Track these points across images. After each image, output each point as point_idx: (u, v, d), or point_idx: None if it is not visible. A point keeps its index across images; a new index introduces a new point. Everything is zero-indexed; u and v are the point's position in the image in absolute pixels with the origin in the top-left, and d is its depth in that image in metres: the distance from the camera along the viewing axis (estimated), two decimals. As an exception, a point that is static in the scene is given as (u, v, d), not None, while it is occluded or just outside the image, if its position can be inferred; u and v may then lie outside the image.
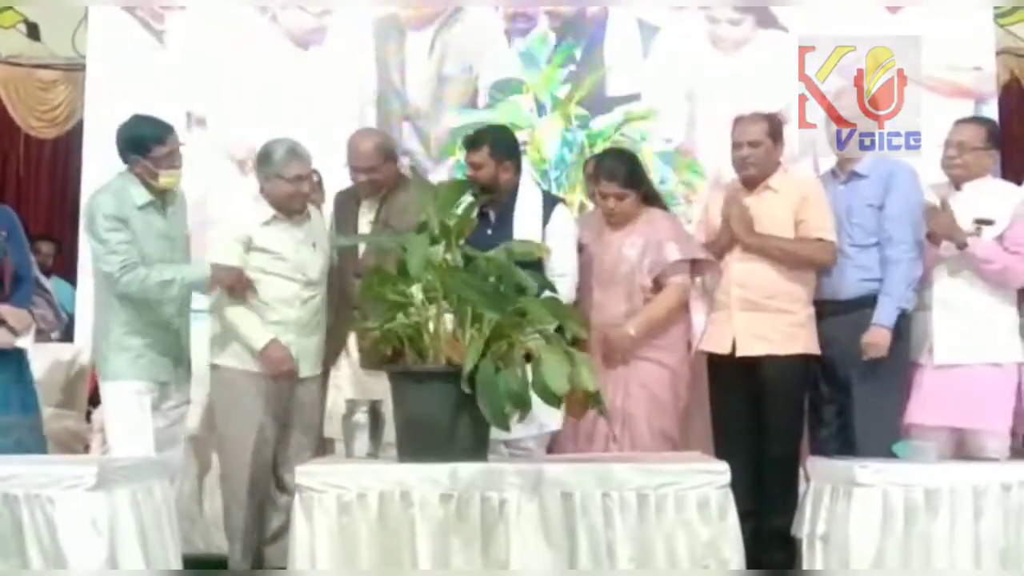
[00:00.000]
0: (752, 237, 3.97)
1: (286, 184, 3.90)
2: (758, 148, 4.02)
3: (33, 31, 6.98)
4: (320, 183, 4.32)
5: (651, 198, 4.13)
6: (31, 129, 7.11)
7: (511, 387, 2.92)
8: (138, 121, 3.97)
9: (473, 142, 4.06)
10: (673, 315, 3.99)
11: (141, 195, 3.89)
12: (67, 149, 6.93)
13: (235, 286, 3.87)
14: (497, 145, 4.04)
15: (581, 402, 3.06)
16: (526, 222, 4.00)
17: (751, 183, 4.08)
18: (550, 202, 4.10)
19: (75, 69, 6.77)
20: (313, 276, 3.98)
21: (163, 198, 3.96)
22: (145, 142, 3.87)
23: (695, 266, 4.05)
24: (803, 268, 3.99)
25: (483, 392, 2.91)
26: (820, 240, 3.97)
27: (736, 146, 4.08)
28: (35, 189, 7.15)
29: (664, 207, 4.19)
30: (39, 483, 3.15)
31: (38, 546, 3.12)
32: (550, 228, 3.98)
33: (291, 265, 3.93)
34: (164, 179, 3.89)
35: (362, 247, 4.01)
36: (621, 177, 4.01)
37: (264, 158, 3.96)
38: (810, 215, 3.98)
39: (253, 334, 3.86)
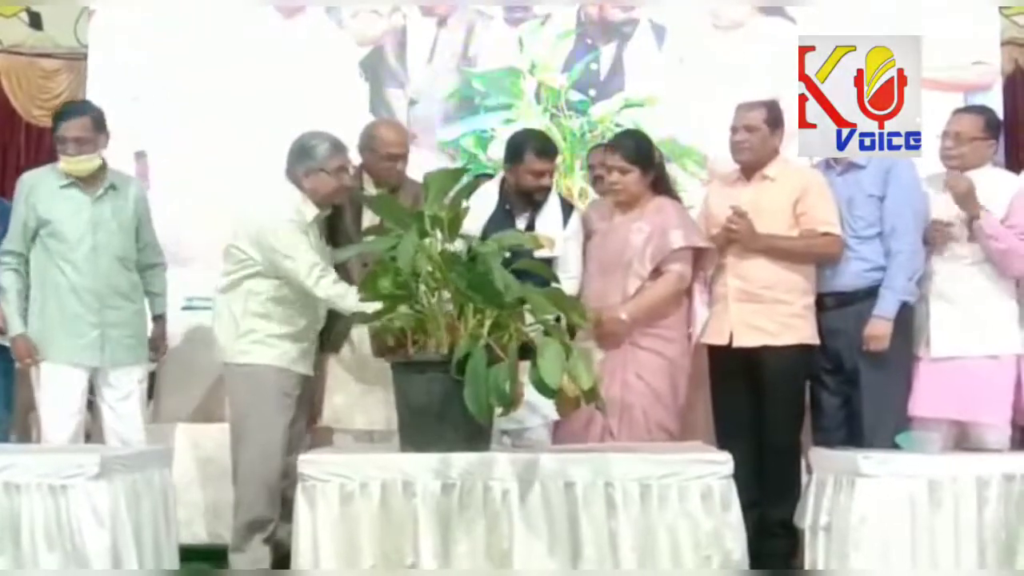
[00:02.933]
0: (757, 241, 3.93)
1: (330, 178, 3.83)
2: (754, 134, 4.01)
3: (35, 20, 6.96)
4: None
5: (662, 187, 4.10)
6: (32, 118, 7.07)
7: (498, 382, 2.88)
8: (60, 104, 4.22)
9: (548, 151, 4.07)
10: (668, 303, 3.96)
11: (61, 177, 4.03)
12: (68, 138, 6.91)
13: (25, 358, 4.00)
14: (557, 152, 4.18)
15: (571, 400, 3.04)
16: (549, 226, 4.04)
17: (747, 170, 4.07)
18: (567, 207, 4.16)
19: (77, 58, 6.76)
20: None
21: (95, 183, 4.03)
22: (52, 122, 4.08)
23: (698, 257, 4.03)
24: (809, 263, 3.98)
25: (470, 383, 2.87)
26: (826, 234, 3.95)
27: (733, 130, 4.07)
28: (36, 178, 7.13)
29: (676, 197, 4.16)
30: (42, 472, 3.16)
31: (40, 535, 3.13)
32: (567, 231, 4.05)
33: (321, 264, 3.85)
34: (63, 163, 4.01)
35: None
36: (626, 150, 4.00)
37: (304, 153, 3.85)
38: (812, 207, 3.96)
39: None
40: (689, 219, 4.09)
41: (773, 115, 4.04)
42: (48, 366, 4.01)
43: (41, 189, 4.02)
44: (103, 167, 4.08)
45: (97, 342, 4.02)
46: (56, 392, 3.99)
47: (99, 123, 4.05)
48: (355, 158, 4.08)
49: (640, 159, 4.00)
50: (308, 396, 4.01)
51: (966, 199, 3.85)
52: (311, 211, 3.84)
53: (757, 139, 4.01)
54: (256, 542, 3.83)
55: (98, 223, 4.01)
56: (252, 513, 3.83)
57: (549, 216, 4.07)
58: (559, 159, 4.23)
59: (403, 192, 4.05)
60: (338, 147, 3.89)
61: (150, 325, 4.24)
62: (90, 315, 4.01)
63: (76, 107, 4.11)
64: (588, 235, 4.10)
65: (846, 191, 4.03)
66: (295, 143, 3.92)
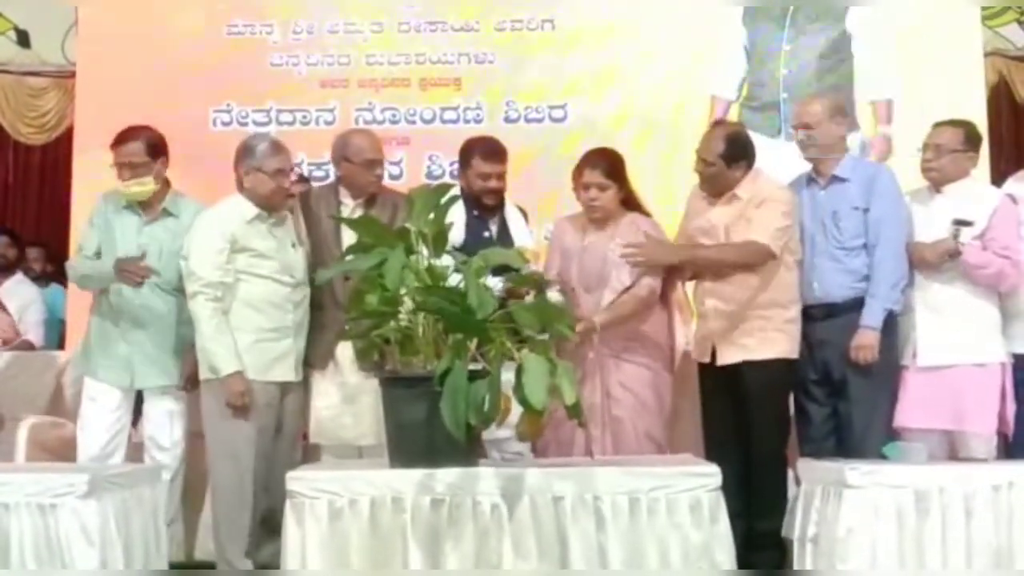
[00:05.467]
0: (673, 254, 3.97)
1: (267, 178, 3.90)
2: (711, 168, 3.98)
3: (23, 38, 6.98)
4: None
5: (633, 203, 4.11)
6: (20, 136, 7.11)
7: (477, 400, 2.87)
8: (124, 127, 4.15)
9: (498, 153, 4.18)
10: (639, 314, 3.96)
11: (121, 199, 4.09)
12: (56, 155, 6.94)
13: (135, 274, 3.93)
14: (506, 155, 4.23)
15: (535, 422, 3.05)
16: (519, 232, 4.16)
17: (713, 193, 4.06)
18: (522, 211, 4.28)
19: (64, 76, 6.77)
20: (300, 277, 3.97)
21: (150, 207, 4.07)
22: (113, 146, 4.07)
23: (671, 270, 4.03)
24: (740, 271, 3.94)
25: (448, 397, 2.86)
26: (750, 242, 3.90)
27: (696, 154, 4.06)
28: (24, 195, 7.14)
29: (646, 213, 4.17)
30: (31, 491, 3.16)
31: (29, 553, 3.12)
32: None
33: (278, 266, 3.91)
34: (121, 188, 4.05)
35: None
36: (603, 168, 4.00)
37: (246, 151, 3.96)
38: (755, 215, 3.92)
39: (222, 357, 3.80)
40: (661, 234, 4.09)
41: (732, 150, 3.98)
42: (88, 382, 4.10)
43: (110, 208, 4.10)
44: (161, 191, 4.11)
45: (126, 363, 4.04)
46: (91, 408, 4.06)
47: (153, 148, 4.07)
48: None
49: (616, 175, 4.01)
50: (296, 406, 4.00)
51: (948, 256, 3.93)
52: (250, 210, 3.89)
53: (713, 172, 3.99)
54: (234, 553, 3.83)
55: (144, 246, 4.03)
56: (229, 526, 3.84)
57: (515, 221, 4.18)
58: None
59: (380, 202, 4.09)
60: (278, 149, 3.97)
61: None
62: (122, 336, 4.04)
63: (131, 132, 4.10)
64: (560, 251, 4.10)
65: (831, 204, 4.04)
66: (240, 143, 4.03)
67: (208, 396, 3.89)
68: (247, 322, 3.85)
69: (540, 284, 3.44)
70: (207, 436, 3.94)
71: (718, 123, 4.22)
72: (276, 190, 3.92)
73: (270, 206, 3.93)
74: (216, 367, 3.80)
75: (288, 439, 3.99)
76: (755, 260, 3.92)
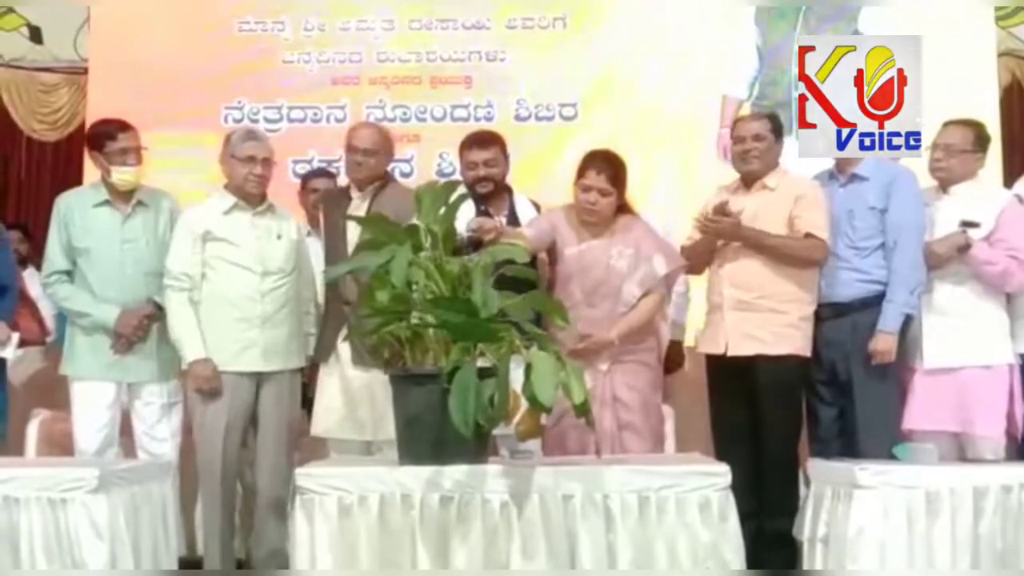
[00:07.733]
0: (741, 230, 3.93)
1: (239, 164, 3.96)
2: (761, 143, 4.03)
3: (35, 34, 6.99)
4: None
5: (625, 209, 4.01)
6: (33, 132, 7.11)
7: (483, 399, 2.87)
8: (98, 121, 4.19)
9: (484, 141, 4.17)
10: (650, 322, 3.95)
11: (98, 194, 4.08)
12: (69, 152, 6.94)
13: (132, 334, 3.98)
14: (503, 143, 4.20)
15: (535, 421, 3.05)
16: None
17: (750, 180, 4.08)
18: (535, 204, 4.26)
19: (77, 72, 6.79)
20: (272, 267, 3.97)
21: (126, 201, 4.07)
22: (99, 138, 4.06)
23: (669, 273, 4.01)
24: (796, 265, 3.95)
25: (456, 395, 2.86)
26: (810, 236, 3.92)
27: (739, 140, 4.08)
28: (36, 192, 7.14)
29: (636, 215, 4.09)
30: (41, 486, 3.17)
31: (39, 548, 3.13)
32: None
33: (250, 255, 3.94)
34: (116, 175, 4.03)
35: (352, 246, 3.94)
36: (608, 174, 3.91)
37: (225, 142, 4.05)
38: (804, 211, 3.94)
39: (188, 344, 3.90)
40: (662, 239, 4.06)
41: (776, 125, 4.08)
42: (80, 382, 4.05)
43: (76, 209, 4.07)
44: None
45: (119, 357, 4.03)
46: (84, 407, 4.04)
47: None
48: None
49: (619, 183, 3.92)
50: (277, 398, 4.00)
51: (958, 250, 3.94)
52: (227, 201, 3.98)
53: (764, 147, 4.03)
54: (209, 543, 3.89)
55: (128, 240, 4.05)
56: (205, 516, 3.92)
57: (525, 213, 4.15)
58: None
59: (383, 197, 4.07)
60: (250, 135, 4.05)
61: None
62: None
63: (122, 122, 4.11)
64: (555, 251, 3.99)
65: (848, 203, 4.04)
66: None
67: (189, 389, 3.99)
68: (215, 310, 3.91)
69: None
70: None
71: (748, 115, 4.22)
72: (247, 176, 3.96)
73: (245, 194, 3.98)
74: (183, 355, 3.91)
75: (270, 432, 3.99)
76: (815, 255, 3.95)
